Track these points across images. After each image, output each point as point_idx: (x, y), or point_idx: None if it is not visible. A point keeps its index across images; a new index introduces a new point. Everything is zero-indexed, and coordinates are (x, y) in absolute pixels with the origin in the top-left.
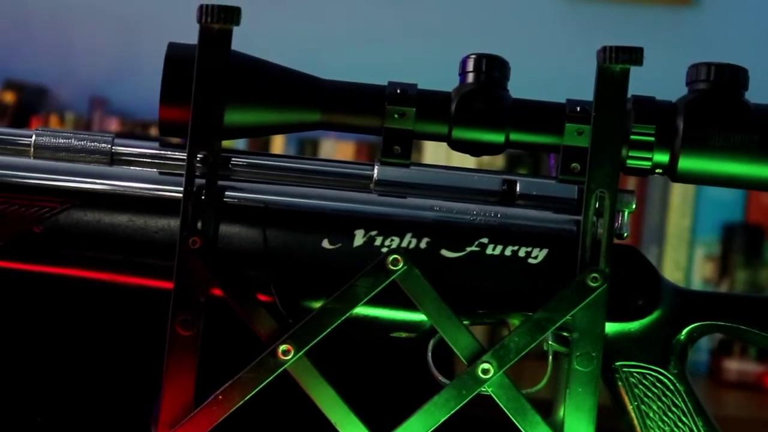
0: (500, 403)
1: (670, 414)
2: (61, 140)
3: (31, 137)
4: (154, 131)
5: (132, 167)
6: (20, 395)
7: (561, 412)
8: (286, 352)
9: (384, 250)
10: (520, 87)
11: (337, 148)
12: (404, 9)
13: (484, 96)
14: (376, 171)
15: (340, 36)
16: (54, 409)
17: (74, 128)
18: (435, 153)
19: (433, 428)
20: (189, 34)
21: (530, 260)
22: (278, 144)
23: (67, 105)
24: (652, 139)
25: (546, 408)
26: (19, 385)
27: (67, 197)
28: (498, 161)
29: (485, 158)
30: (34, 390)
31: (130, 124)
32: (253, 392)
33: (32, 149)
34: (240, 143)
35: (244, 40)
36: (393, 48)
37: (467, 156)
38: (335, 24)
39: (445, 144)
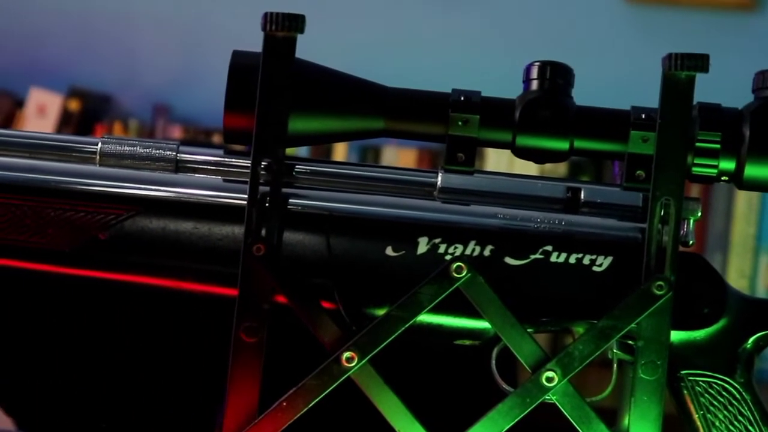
0: (564, 412)
1: (736, 423)
2: (127, 148)
3: (96, 145)
4: (216, 139)
5: (196, 175)
6: (85, 401)
7: (626, 421)
8: (350, 360)
9: (448, 257)
10: (583, 93)
11: (399, 156)
12: (467, 15)
13: (548, 103)
14: (439, 178)
15: (402, 42)
16: (118, 415)
17: (137, 136)
18: (497, 160)
19: None
20: (252, 42)
21: (595, 268)
22: (340, 151)
23: (130, 113)
24: (718, 146)
25: (610, 417)
26: (84, 391)
27: (133, 204)
28: (560, 168)
29: (547, 165)
30: (98, 396)
31: (193, 131)
32: (317, 399)
33: (98, 157)
34: (302, 150)
35: (307, 48)
36: (456, 54)
37: (529, 163)
38: (398, 30)
39: (507, 151)
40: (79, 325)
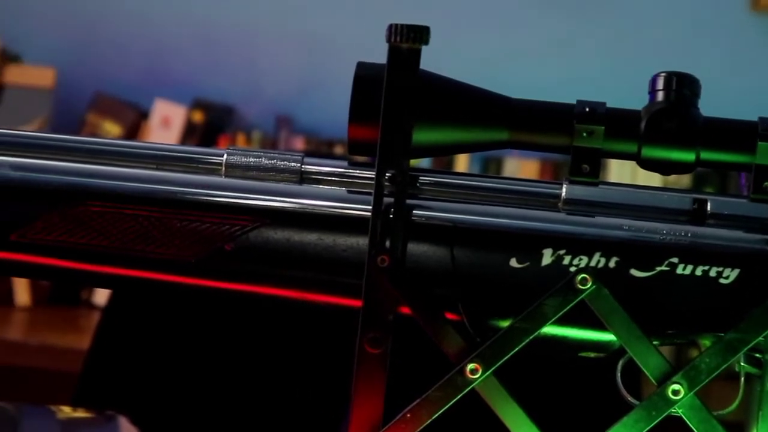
0: (691, 425)
1: None
2: (252, 159)
3: (222, 156)
4: (339, 150)
5: (321, 186)
6: (210, 411)
7: None
8: (474, 371)
9: (572, 269)
10: (709, 104)
11: (521, 167)
12: (591, 26)
13: (674, 115)
14: (564, 190)
15: (526, 53)
16: (244, 425)
17: (260, 147)
18: (620, 171)
19: None
20: (374, 54)
21: (721, 280)
22: (462, 162)
23: (253, 124)
24: None
25: (737, 431)
26: (210, 401)
27: (258, 216)
28: (684, 179)
29: (671, 176)
30: (224, 406)
31: (316, 142)
32: (441, 411)
33: (223, 168)
34: (424, 162)
35: (431, 59)
36: (580, 65)
37: (652, 174)
38: (522, 41)
39: (630, 162)
40: (204, 336)
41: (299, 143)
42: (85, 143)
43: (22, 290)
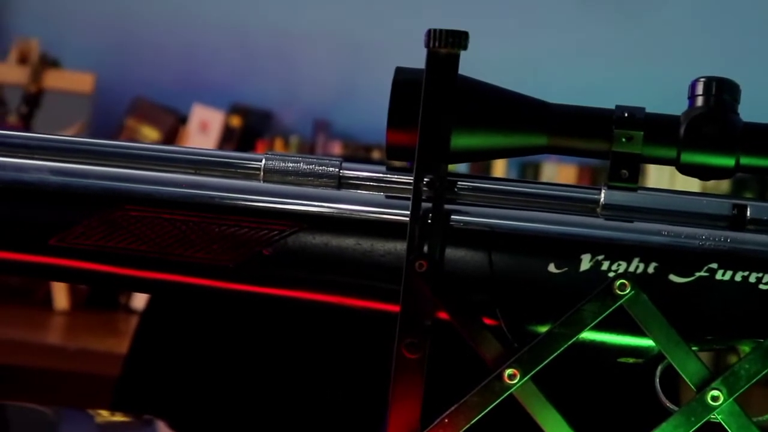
0: (730, 431)
1: None
2: (290, 164)
3: (260, 161)
4: (376, 155)
5: (359, 191)
6: (248, 415)
7: None
8: (512, 377)
9: (611, 274)
10: (749, 109)
11: (558, 172)
12: (631, 29)
13: (714, 120)
14: (602, 195)
15: (563, 56)
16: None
17: (298, 151)
18: (658, 176)
19: None
20: (410, 58)
21: (761, 286)
22: (499, 167)
23: (291, 129)
24: None
25: None
26: (247, 405)
27: (296, 220)
28: (723, 185)
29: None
30: (262, 411)
31: (353, 147)
32: (479, 416)
33: (262, 173)
34: (461, 167)
35: (469, 63)
36: (618, 69)
37: (690, 179)
38: (559, 44)
39: (668, 167)
40: (242, 340)
41: (337, 148)
42: (123, 148)
43: (60, 294)
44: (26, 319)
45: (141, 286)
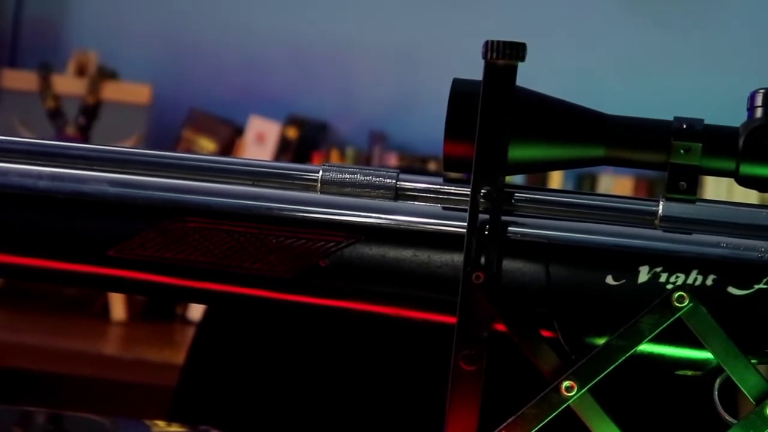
0: None
1: None
2: (347, 175)
3: (318, 173)
4: (432, 166)
5: (416, 202)
6: (304, 427)
7: None
8: (569, 389)
9: (669, 287)
10: None
11: (615, 183)
12: (688, 40)
13: None
14: (660, 207)
15: (620, 67)
16: None
17: (354, 163)
18: (716, 188)
19: None
20: (465, 69)
21: None
22: (556, 179)
23: (347, 140)
24: None
25: None
26: (302, 418)
27: (353, 232)
28: None
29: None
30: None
31: (409, 158)
32: (536, 429)
33: (319, 184)
34: (517, 178)
35: (527, 74)
36: (676, 80)
37: (749, 190)
38: (616, 55)
39: (726, 179)
40: (298, 352)
41: (393, 159)
42: (181, 159)
43: (117, 305)
44: (84, 330)
45: (198, 297)
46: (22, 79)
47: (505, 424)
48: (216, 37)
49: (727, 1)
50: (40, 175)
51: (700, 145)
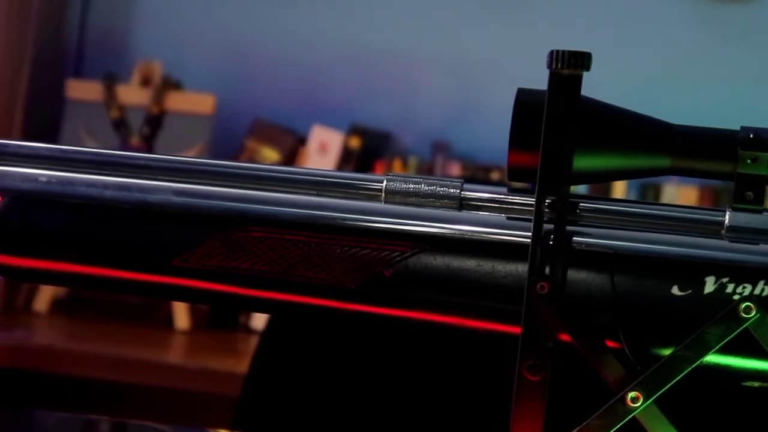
0: None
1: None
2: (411, 185)
3: (382, 182)
4: (495, 176)
5: (480, 212)
6: None
7: None
8: (635, 399)
9: (736, 297)
10: None
11: (680, 193)
12: (754, 49)
13: None
14: (727, 217)
15: (686, 77)
16: None
17: (417, 172)
18: None
19: None
20: (527, 79)
21: None
22: (619, 188)
23: (409, 150)
24: None
25: None
26: (366, 427)
27: (418, 242)
28: None
29: None
30: None
31: (472, 168)
32: None
33: (383, 194)
34: (580, 188)
35: (590, 83)
36: (742, 89)
37: None
38: (681, 64)
39: None
40: (362, 361)
41: (455, 169)
42: (245, 169)
43: (181, 314)
44: (147, 339)
45: (262, 306)
46: (87, 90)
47: None
48: (279, 47)
49: None
50: (105, 185)
51: None
